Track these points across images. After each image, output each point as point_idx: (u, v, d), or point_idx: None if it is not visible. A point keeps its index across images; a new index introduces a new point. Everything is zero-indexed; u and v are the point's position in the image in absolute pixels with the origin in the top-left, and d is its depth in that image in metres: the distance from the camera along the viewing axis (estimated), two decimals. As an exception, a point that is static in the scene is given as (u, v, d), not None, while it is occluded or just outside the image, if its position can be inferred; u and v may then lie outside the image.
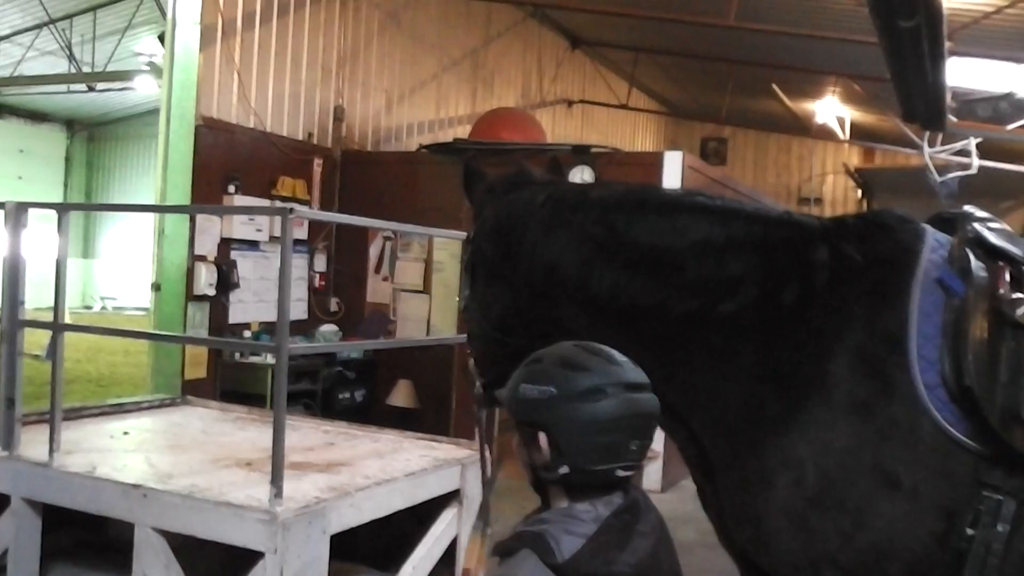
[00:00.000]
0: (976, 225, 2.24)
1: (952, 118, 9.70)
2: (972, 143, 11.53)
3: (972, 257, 2.17)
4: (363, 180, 8.89)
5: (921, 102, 7.02)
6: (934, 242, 2.23)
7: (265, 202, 8.03)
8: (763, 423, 2.13)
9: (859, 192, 17.40)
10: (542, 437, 1.75)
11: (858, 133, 15.45)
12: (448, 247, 8.71)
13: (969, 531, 2.02)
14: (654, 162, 8.14)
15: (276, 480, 2.99)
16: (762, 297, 2.21)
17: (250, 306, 8.07)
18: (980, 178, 12.20)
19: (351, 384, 8.65)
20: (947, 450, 2.03)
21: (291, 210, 2.92)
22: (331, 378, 8.35)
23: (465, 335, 2.80)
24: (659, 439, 7.69)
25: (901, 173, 15.46)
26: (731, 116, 15.48)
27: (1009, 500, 2.00)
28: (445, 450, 4.15)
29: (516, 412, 1.79)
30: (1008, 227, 2.32)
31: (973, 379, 2.00)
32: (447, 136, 10.38)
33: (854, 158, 17.54)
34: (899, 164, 16.74)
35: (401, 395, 8.82)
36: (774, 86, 13.87)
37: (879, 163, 17.23)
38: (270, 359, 7.57)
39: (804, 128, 15.32)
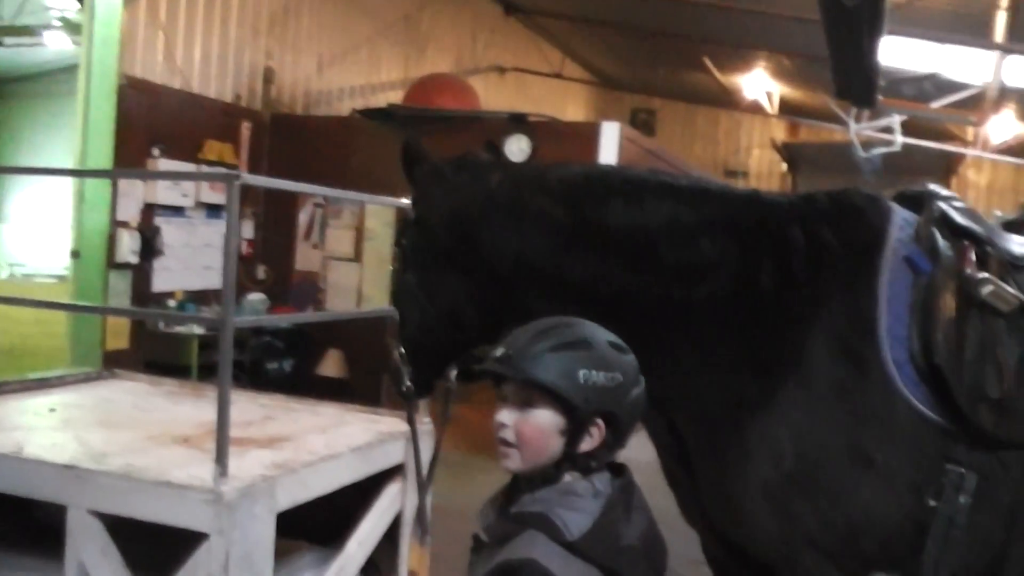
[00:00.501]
0: (941, 204, 2.24)
1: (879, 96, 9.90)
2: (896, 121, 11.79)
3: (939, 236, 2.18)
4: (293, 145, 8.65)
5: (856, 80, 7.11)
6: (901, 221, 2.23)
7: (191, 166, 7.76)
8: (743, 408, 2.12)
9: (784, 166, 17.67)
10: (600, 424, 1.70)
11: (785, 108, 15.68)
12: (381, 215, 8.56)
13: (931, 503, 2.05)
14: (591, 132, 8.09)
15: (221, 458, 2.86)
16: (739, 281, 2.18)
17: (175, 274, 7.81)
18: (902, 155, 12.50)
19: (280, 354, 8.45)
20: (916, 427, 2.05)
21: (238, 176, 2.78)
22: (259, 348, 8.15)
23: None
24: None
25: (826, 148, 15.76)
26: (662, 88, 15.55)
27: (971, 474, 2.03)
28: (388, 423, 4.05)
29: (583, 400, 1.69)
30: (969, 206, 2.33)
31: (942, 357, 2.01)
32: (380, 101, 10.17)
33: (780, 133, 17.80)
34: (823, 139, 17.08)
35: (331, 365, 8.68)
36: (706, 60, 13.97)
37: (803, 138, 17.52)
38: (196, 329, 7.37)
39: (733, 102, 15.49)
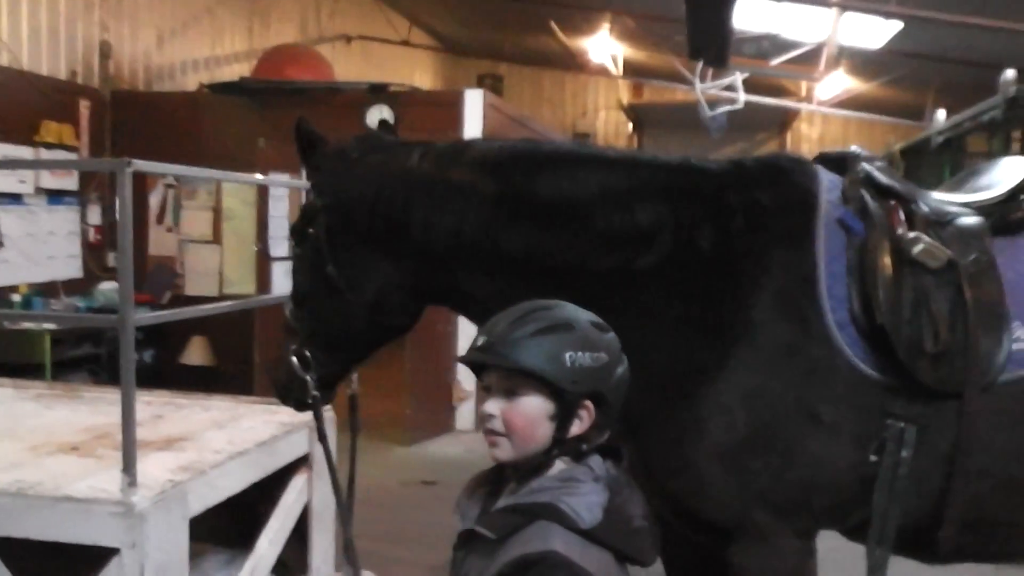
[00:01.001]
0: (865, 165, 2.30)
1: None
2: (739, 79, 12.21)
3: (867, 197, 2.24)
4: (139, 123, 8.15)
5: (712, 41, 7.31)
6: (828, 182, 2.28)
7: (27, 150, 7.19)
8: (693, 373, 2.12)
9: (630, 127, 18.06)
10: (589, 406, 1.65)
11: (630, 69, 15.97)
12: (239, 193, 8.21)
13: (873, 457, 2.12)
14: (455, 101, 8.00)
15: (129, 467, 2.66)
16: (679, 248, 2.17)
17: (17, 267, 7.25)
18: (741, 112, 12.98)
19: (139, 344, 7.99)
20: (857, 384, 2.11)
21: (129, 163, 2.56)
22: (116, 339, 7.71)
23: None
24: (471, 379, 7.70)
25: (671, 108, 16.17)
26: (509, 53, 15.55)
27: (910, 426, 2.10)
28: (288, 413, 3.88)
29: (571, 383, 1.64)
30: (887, 166, 2.40)
31: (886, 317, 2.07)
32: (225, 74, 9.72)
33: (624, 94, 18.14)
34: (666, 100, 17.54)
35: (196, 353, 8.31)
36: (552, 23, 14.04)
37: (647, 99, 17.91)
38: (47, 324, 6.87)
39: (579, 65, 15.64)
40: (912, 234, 2.15)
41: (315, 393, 2.41)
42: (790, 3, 9.30)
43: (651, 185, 2.22)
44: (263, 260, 7.80)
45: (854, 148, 2.35)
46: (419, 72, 16.86)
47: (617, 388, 1.69)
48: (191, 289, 8.35)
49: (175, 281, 8.45)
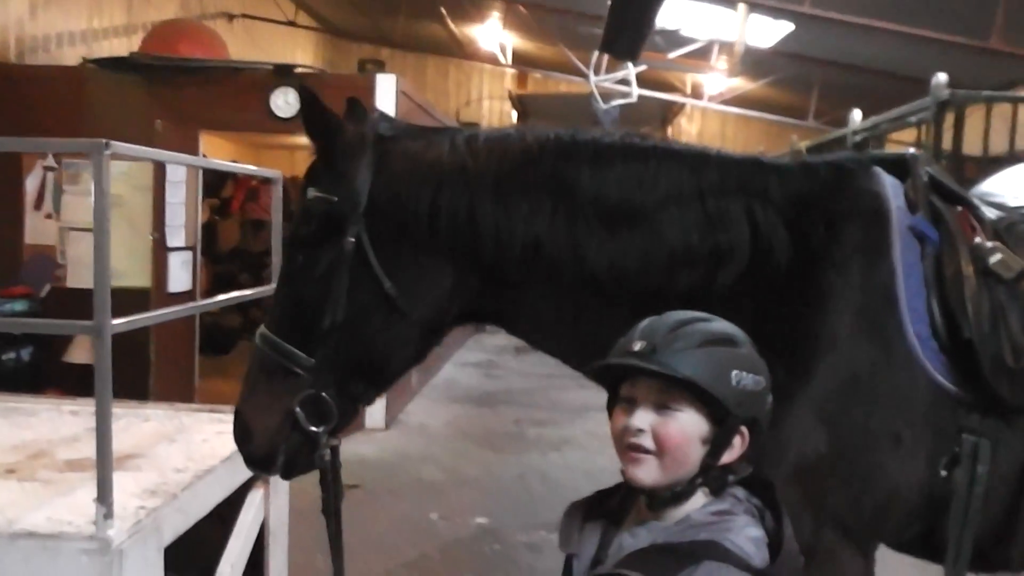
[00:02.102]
0: (928, 168, 2.21)
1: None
2: (632, 72, 12.27)
3: (939, 203, 2.15)
4: (10, 100, 7.45)
5: (629, 34, 7.25)
6: (892, 187, 2.17)
7: None
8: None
9: (515, 117, 17.95)
10: (745, 433, 1.49)
11: (518, 59, 15.88)
12: (129, 178, 7.63)
13: (943, 473, 2.04)
14: (366, 85, 7.66)
15: (105, 496, 2.31)
16: (755, 257, 2.02)
17: None
18: (626, 105, 13.08)
19: (15, 341, 7.34)
20: (936, 401, 2.02)
21: (107, 144, 2.23)
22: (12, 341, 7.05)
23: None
24: None
25: (558, 99, 16.17)
26: (396, 38, 15.18)
27: (984, 441, 2.03)
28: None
29: (736, 404, 1.47)
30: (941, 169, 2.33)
31: (974, 333, 1.98)
32: (104, 49, 9.03)
33: (510, 84, 18.03)
34: (550, 90, 17.55)
35: (81, 350, 7.68)
36: (442, 10, 13.79)
37: (531, 89, 17.86)
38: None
39: (467, 52, 15.45)
40: (990, 243, 2.08)
41: (331, 447, 2.07)
42: (696, 1, 9.41)
43: (727, 187, 2.05)
44: (160, 251, 7.27)
45: (911, 150, 2.26)
46: (300, 54, 16.24)
47: (769, 417, 1.53)
48: (73, 281, 7.69)
49: (55, 272, 7.78)
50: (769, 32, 11.42)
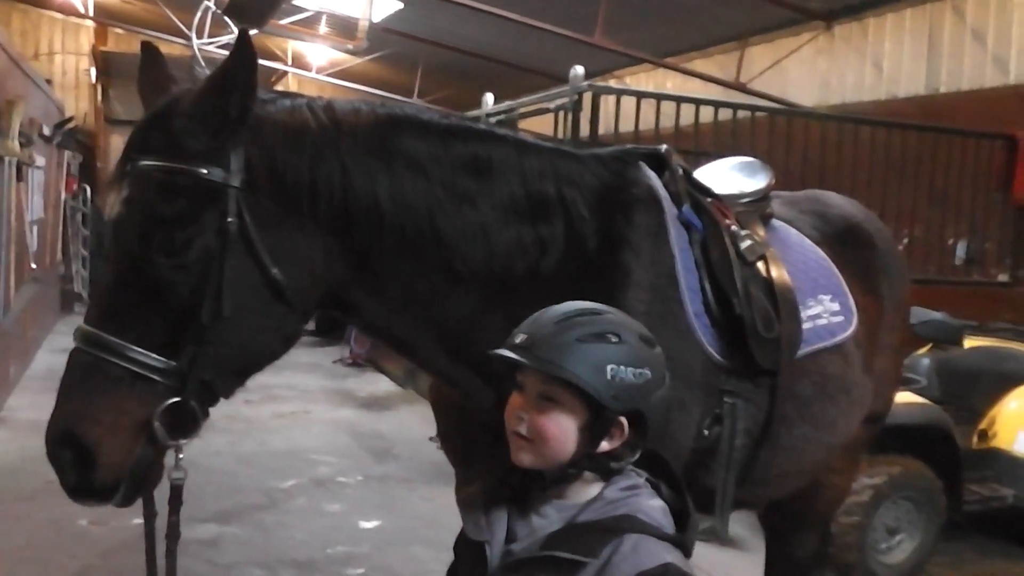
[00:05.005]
0: (679, 162, 2.48)
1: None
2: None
3: (696, 194, 2.43)
4: None
5: (257, 1, 6.99)
6: (656, 179, 2.41)
7: None
8: None
9: (93, 76, 16.34)
10: (623, 424, 1.54)
11: (102, 13, 14.47)
12: None
13: (706, 432, 2.33)
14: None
15: None
16: (571, 242, 2.15)
17: None
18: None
19: None
20: (706, 368, 2.30)
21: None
22: None
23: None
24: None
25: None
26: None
27: (740, 401, 2.35)
28: None
29: (611, 398, 1.51)
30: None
31: (744, 309, 2.29)
32: None
33: (86, 39, 16.37)
34: (134, 50, 16.21)
35: None
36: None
37: (115, 47, 16.37)
38: None
39: (42, 1, 13.75)
40: (743, 231, 2.41)
41: (182, 471, 1.83)
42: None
43: (546, 171, 2.15)
44: None
45: (664, 146, 2.51)
46: None
47: (656, 408, 1.59)
48: None
49: None
50: (377, 9, 11.63)
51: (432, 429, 7.80)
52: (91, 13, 14.15)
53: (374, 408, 8.70)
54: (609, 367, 1.52)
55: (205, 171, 1.76)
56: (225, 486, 5.82)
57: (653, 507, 1.57)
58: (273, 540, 5.06)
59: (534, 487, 1.61)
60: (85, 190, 13.53)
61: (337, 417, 8.21)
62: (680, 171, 2.44)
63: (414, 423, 7.87)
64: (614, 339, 1.56)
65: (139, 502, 1.83)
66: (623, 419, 1.55)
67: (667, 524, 1.56)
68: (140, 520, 1.85)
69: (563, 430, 1.54)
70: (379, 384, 9.85)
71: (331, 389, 9.38)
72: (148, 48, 1.96)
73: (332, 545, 5.02)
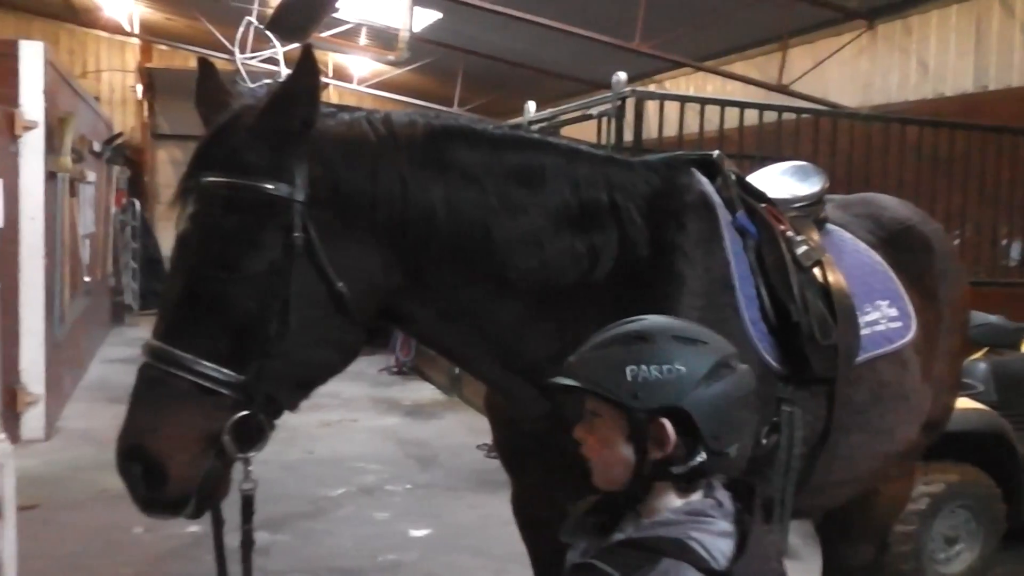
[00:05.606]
0: (732, 167, 2.46)
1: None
2: (280, 52, 11.94)
3: (750, 200, 2.40)
4: None
5: (304, 15, 7.07)
6: (708, 184, 2.38)
7: None
8: None
9: (140, 91, 16.63)
10: (667, 424, 1.50)
11: (146, 30, 14.72)
12: None
13: (764, 441, 2.29)
14: (9, 52, 6.70)
15: None
16: (623, 254, 2.14)
17: None
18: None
19: None
20: (763, 376, 2.26)
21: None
22: None
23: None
24: (40, 379, 6.77)
25: (192, 75, 15.23)
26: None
27: (797, 409, 2.31)
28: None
29: (631, 397, 1.50)
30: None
31: (801, 316, 2.25)
32: None
33: (133, 55, 16.65)
34: (178, 65, 16.47)
35: None
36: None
37: (158, 63, 16.64)
38: None
39: (86, 20, 14.02)
40: (798, 236, 2.38)
41: (252, 482, 1.84)
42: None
43: (596, 183, 2.14)
44: None
45: (716, 152, 2.48)
46: None
47: (707, 404, 1.51)
48: None
49: None
50: (417, 19, 11.69)
51: (477, 437, 7.80)
52: (136, 31, 14.38)
53: (419, 416, 8.72)
54: (629, 368, 1.51)
55: (271, 186, 1.79)
56: (273, 495, 5.85)
57: (713, 539, 1.51)
58: (322, 548, 5.10)
59: (620, 505, 1.61)
60: (133, 204, 13.79)
61: (382, 425, 8.24)
62: (732, 176, 2.42)
63: (458, 431, 7.88)
64: (639, 342, 1.54)
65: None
66: (664, 421, 1.51)
67: (723, 560, 1.49)
68: (192, 528, 1.87)
69: (604, 441, 1.55)
70: (423, 392, 9.88)
71: (376, 397, 9.42)
72: (204, 64, 2.00)
73: (381, 553, 5.03)
